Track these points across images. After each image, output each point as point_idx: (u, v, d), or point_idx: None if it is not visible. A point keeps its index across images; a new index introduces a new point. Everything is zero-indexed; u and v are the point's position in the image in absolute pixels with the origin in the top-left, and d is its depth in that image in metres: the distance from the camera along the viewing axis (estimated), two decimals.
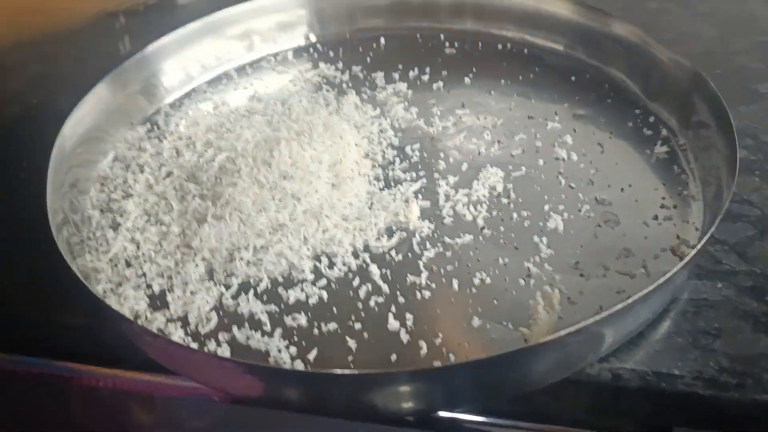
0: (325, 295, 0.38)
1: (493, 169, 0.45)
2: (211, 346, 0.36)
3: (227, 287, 0.39)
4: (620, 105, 0.50)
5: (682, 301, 0.37)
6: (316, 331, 0.36)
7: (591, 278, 0.38)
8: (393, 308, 0.37)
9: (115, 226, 0.43)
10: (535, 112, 0.50)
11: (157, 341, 0.34)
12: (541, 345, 0.31)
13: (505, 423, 0.35)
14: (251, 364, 0.33)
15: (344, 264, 0.39)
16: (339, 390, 0.32)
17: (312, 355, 0.35)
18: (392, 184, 0.45)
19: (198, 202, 0.42)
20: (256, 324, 0.37)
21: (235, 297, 0.38)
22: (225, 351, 0.35)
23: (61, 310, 0.39)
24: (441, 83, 0.54)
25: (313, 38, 0.59)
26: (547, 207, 0.42)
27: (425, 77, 0.54)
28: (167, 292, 0.38)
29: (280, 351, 0.35)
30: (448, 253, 0.40)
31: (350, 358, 0.35)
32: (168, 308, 0.38)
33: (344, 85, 0.54)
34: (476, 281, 0.38)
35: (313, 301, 0.38)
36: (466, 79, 0.54)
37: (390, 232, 0.41)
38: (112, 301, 0.38)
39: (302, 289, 0.38)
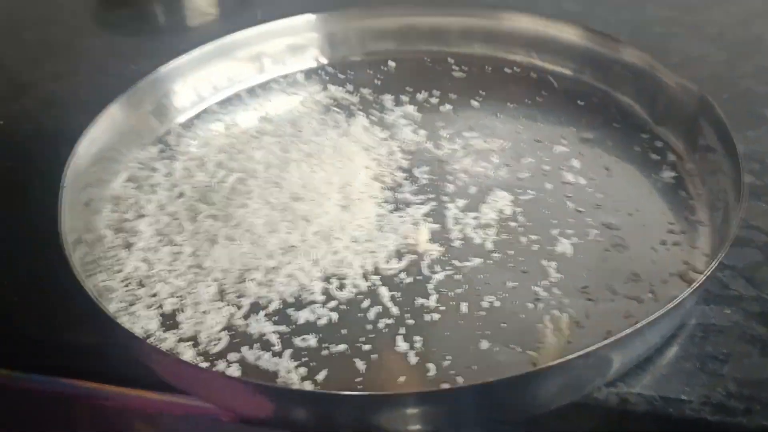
0: (334, 316, 0.38)
1: (501, 192, 0.45)
2: (222, 365, 0.36)
3: (238, 307, 0.39)
4: (627, 129, 0.50)
5: (690, 326, 0.37)
6: (325, 352, 0.36)
7: (599, 302, 0.38)
8: (402, 330, 0.37)
9: (128, 246, 0.43)
10: (542, 136, 0.50)
11: (167, 360, 0.34)
12: (548, 369, 0.31)
13: None
14: (260, 384, 0.33)
15: (354, 286, 0.40)
16: (347, 411, 0.32)
17: (321, 376, 0.35)
18: (401, 206, 0.45)
19: (210, 223, 0.43)
20: (266, 344, 0.37)
21: (245, 317, 0.38)
22: (235, 371, 0.36)
23: (74, 329, 0.39)
24: (449, 106, 0.54)
25: (323, 60, 0.60)
26: (555, 231, 0.42)
27: (434, 100, 0.55)
28: (178, 312, 0.39)
29: (289, 371, 0.35)
30: (457, 276, 0.40)
31: (359, 379, 0.35)
32: (179, 328, 0.38)
33: (354, 107, 0.55)
34: (485, 304, 0.38)
35: (322, 322, 0.38)
36: (474, 102, 0.54)
37: (399, 255, 0.42)
38: (124, 321, 0.38)
39: (312, 311, 0.39)
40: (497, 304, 0.38)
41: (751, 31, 0.62)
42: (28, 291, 0.42)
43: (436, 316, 0.38)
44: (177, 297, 0.40)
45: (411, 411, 0.32)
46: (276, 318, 0.38)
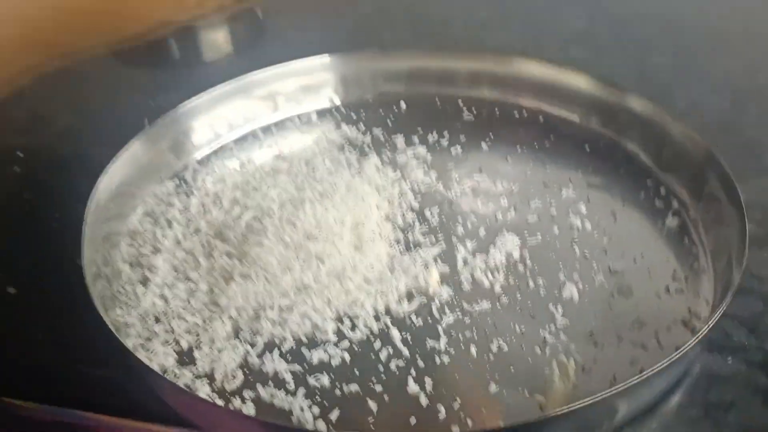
0: (347, 356, 0.39)
1: (510, 235, 0.47)
2: (237, 402, 0.37)
3: (253, 346, 0.40)
4: (633, 175, 0.51)
5: (694, 374, 0.38)
6: (338, 391, 0.37)
7: (605, 348, 0.39)
8: (413, 372, 0.38)
9: (145, 281, 0.44)
10: (550, 180, 0.52)
11: (186, 397, 0.35)
12: (555, 416, 0.32)
13: None
14: (277, 424, 0.34)
15: (366, 326, 0.41)
16: None
17: (334, 416, 0.36)
18: (412, 247, 0.46)
19: (225, 260, 0.44)
20: (280, 383, 0.38)
21: (260, 355, 0.39)
22: (250, 408, 0.36)
23: (92, 362, 0.40)
24: (459, 148, 0.56)
25: (336, 101, 0.62)
26: (562, 276, 0.44)
27: (444, 141, 0.56)
28: (195, 349, 0.40)
29: (303, 410, 0.36)
30: (467, 320, 0.41)
31: (371, 419, 0.36)
32: (195, 365, 0.39)
33: (366, 147, 0.56)
34: (494, 348, 0.39)
35: (335, 362, 0.39)
36: (484, 145, 0.56)
37: (410, 297, 0.43)
38: (141, 356, 0.39)
39: (325, 350, 0.39)
40: (505, 347, 0.39)
41: (755, 80, 0.64)
42: (49, 324, 0.43)
43: (446, 359, 0.39)
44: (193, 334, 0.41)
45: None
46: (290, 357, 0.39)
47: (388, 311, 0.42)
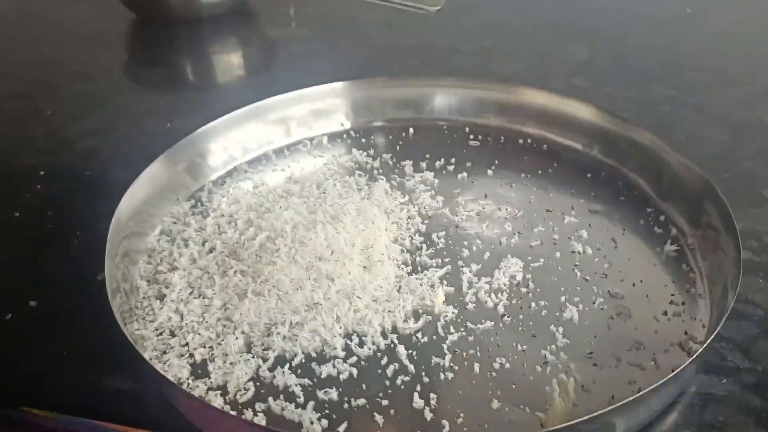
0: (355, 371, 0.41)
1: (513, 259, 0.48)
2: (248, 414, 0.38)
3: (264, 360, 0.41)
4: (633, 203, 0.53)
5: (690, 395, 0.39)
6: (346, 405, 0.39)
7: (604, 368, 0.41)
8: (418, 387, 0.40)
9: (161, 297, 0.46)
10: (553, 206, 0.54)
11: (201, 407, 0.37)
12: (556, 430, 0.34)
13: None
14: None
15: (373, 343, 0.42)
16: None
17: (342, 428, 0.37)
18: (419, 269, 0.48)
19: (239, 278, 0.46)
20: (290, 396, 0.39)
21: (271, 369, 0.41)
22: (261, 420, 0.38)
23: (109, 373, 0.41)
24: (465, 174, 0.57)
25: (347, 125, 0.64)
26: (563, 298, 0.45)
27: (451, 167, 0.58)
28: (208, 362, 0.41)
29: (312, 423, 0.38)
30: (471, 338, 0.43)
31: None
32: (209, 377, 0.40)
33: (375, 172, 0.58)
34: (496, 365, 0.41)
35: (344, 376, 0.40)
36: (489, 171, 0.58)
37: (416, 315, 0.44)
38: (157, 368, 0.40)
39: (334, 365, 0.41)
40: (508, 365, 0.41)
41: (753, 114, 0.66)
42: (69, 336, 0.44)
43: (450, 375, 0.40)
44: (207, 348, 0.42)
45: None
46: (300, 371, 0.41)
47: (394, 329, 0.43)
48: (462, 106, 0.64)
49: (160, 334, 0.43)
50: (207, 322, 0.44)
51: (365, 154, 0.60)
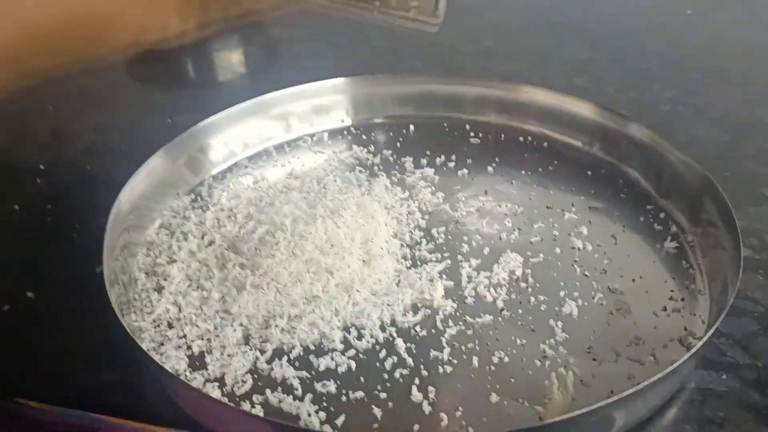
0: (353, 364, 0.41)
1: (513, 254, 0.48)
2: (246, 406, 0.38)
3: (262, 352, 0.41)
4: (633, 200, 0.53)
5: (689, 390, 0.39)
6: (344, 398, 0.39)
7: (603, 363, 0.40)
8: (416, 381, 0.39)
9: (159, 289, 0.46)
10: (553, 203, 0.53)
11: (198, 398, 0.37)
12: (554, 424, 0.33)
13: None
14: (287, 425, 0.35)
15: (372, 336, 0.42)
16: None
17: (340, 421, 0.37)
18: (419, 263, 0.48)
19: (238, 271, 0.46)
20: (288, 388, 0.39)
21: (269, 362, 0.41)
22: (258, 412, 0.38)
23: (106, 365, 0.41)
24: (466, 170, 0.57)
25: (347, 122, 0.64)
26: (562, 293, 0.45)
27: (451, 164, 0.58)
28: (206, 354, 0.41)
29: (309, 415, 0.38)
30: (469, 332, 0.43)
31: (375, 425, 0.37)
32: (206, 369, 0.40)
33: (375, 168, 0.58)
34: (495, 359, 0.41)
35: (342, 369, 0.40)
36: (489, 168, 0.58)
37: (415, 309, 0.44)
38: (155, 359, 0.40)
39: (332, 358, 0.41)
40: (506, 359, 0.41)
41: (753, 114, 0.65)
42: (66, 327, 0.44)
43: (448, 369, 0.40)
44: (205, 339, 0.42)
45: None
46: (298, 363, 0.41)
47: (393, 322, 0.43)
48: (462, 103, 0.64)
49: (158, 325, 0.43)
50: (205, 314, 0.44)
51: (366, 150, 0.60)
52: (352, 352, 0.41)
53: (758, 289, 0.46)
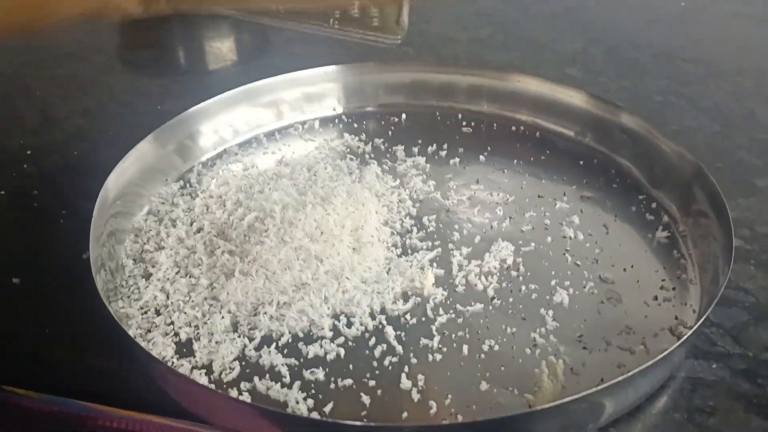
0: (342, 352, 0.40)
1: (504, 243, 0.48)
2: (233, 394, 0.38)
3: (250, 339, 0.41)
4: (625, 190, 0.53)
5: (679, 379, 0.39)
6: (332, 385, 0.38)
7: (593, 351, 0.40)
8: (406, 368, 0.39)
9: (147, 276, 0.45)
10: (545, 192, 0.53)
11: (186, 384, 0.36)
12: (544, 410, 0.33)
13: None
14: (274, 410, 0.35)
15: (361, 324, 0.42)
16: None
17: (328, 408, 0.37)
18: (409, 251, 0.48)
19: (226, 258, 0.45)
20: (276, 376, 0.39)
21: (257, 349, 0.40)
22: (246, 399, 0.37)
23: (92, 352, 0.41)
24: (457, 159, 0.57)
25: (339, 110, 0.63)
26: (553, 282, 0.45)
27: (443, 153, 0.58)
28: (193, 341, 0.41)
29: (297, 402, 0.37)
30: (460, 320, 0.42)
31: (364, 413, 0.37)
32: (194, 356, 0.40)
33: (367, 156, 0.58)
34: (485, 348, 0.40)
35: (330, 357, 0.40)
36: (481, 157, 0.57)
37: (405, 297, 0.44)
38: (141, 346, 0.40)
39: (321, 346, 0.40)
40: (497, 348, 0.40)
41: (745, 105, 0.65)
42: (52, 314, 0.44)
43: (438, 357, 0.40)
44: (193, 327, 0.42)
45: None
46: (286, 351, 0.40)
47: (383, 310, 0.43)
48: (455, 92, 0.63)
49: (145, 312, 0.43)
50: (193, 301, 0.43)
51: (357, 138, 0.60)
52: (341, 339, 0.41)
53: (749, 280, 0.45)
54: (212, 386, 0.38)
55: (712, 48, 0.77)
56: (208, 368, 0.39)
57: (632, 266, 0.46)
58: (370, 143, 0.59)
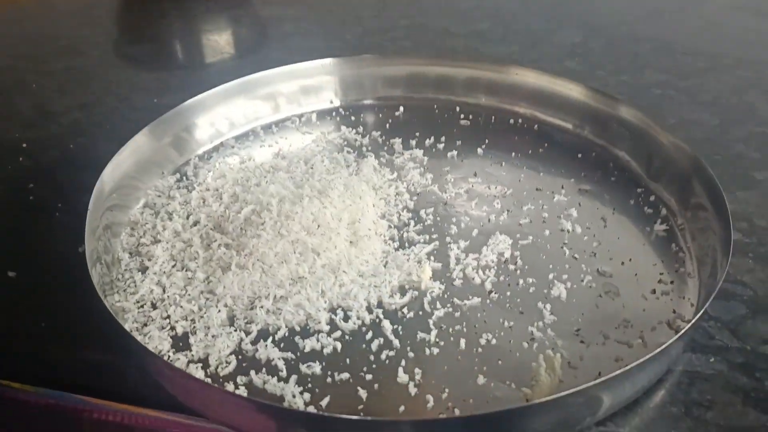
0: (339, 346, 0.40)
1: (502, 236, 0.48)
2: (229, 388, 0.38)
3: (247, 333, 0.41)
4: (623, 183, 0.53)
5: (677, 373, 0.39)
6: (329, 379, 0.38)
7: (591, 345, 0.40)
8: (403, 362, 0.39)
9: (143, 270, 0.45)
10: (542, 185, 0.53)
11: (181, 378, 0.36)
12: (541, 404, 0.33)
13: None
14: (270, 404, 0.35)
15: (358, 318, 0.42)
16: None
17: (324, 402, 0.37)
18: (406, 245, 0.47)
19: (223, 251, 0.45)
20: (272, 370, 0.39)
21: (254, 343, 0.40)
22: (242, 393, 0.37)
23: (89, 346, 0.41)
24: (455, 152, 0.57)
25: (336, 103, 0.63)
26: (551, 275, 0.45)
27: (440, 146, 0.58)
28: (190, 335, 0.41)
29: (294, 396, 0.37)
30: (457, 314, 0.42)
31: (360, 407, 0.37)
32: (190, 350, 0.40)
33: (364, 149, 0.58)
34: (482, 341, 0.40)
35: (327, 351, 0.40)
36: (479, 150, 0.57)
37: (403, 291, 0.44)
38: (137, 340, 0.40)
39: (318, 339, 0.40)
40: (494, 341, 0.40)
41: (743, 99, 0.65)
42: (48, 307, 0.43)
43: (435, 351, 0.40)
44: (189, 320, 0.42)
45: None
46: (283, 345, 0.40)
47: (380, 304, 0.43)
48: (453, 85, 0.63)
49: (142, 306, 0.43)
50: (189, 294, 0.43)
51: (354, 131, 0.60)
52: (338, 333, 0.41)
53: (747, 273, 0.45)
54: (208, 380, 0.38)
55: (711, 41, 0.76)
56: (205, 362, 0.39)
57: (630, 260, 0.46)
58: (368, 136, 0.59)
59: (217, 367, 0.39)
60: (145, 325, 0.41)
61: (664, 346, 0.35)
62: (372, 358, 0.39)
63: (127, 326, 0.41)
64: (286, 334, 0.41)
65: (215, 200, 0.50)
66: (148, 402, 0.38)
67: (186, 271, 0.45)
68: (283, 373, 0.39)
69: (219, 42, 0.82)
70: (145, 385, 0.38)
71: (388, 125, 0.61)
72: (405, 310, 0.42)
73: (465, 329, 0.41)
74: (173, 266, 0.45)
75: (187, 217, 0.49)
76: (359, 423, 0.33)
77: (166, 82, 0.70)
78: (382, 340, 0.40)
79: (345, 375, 0.38)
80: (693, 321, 0.37)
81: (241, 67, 0.64)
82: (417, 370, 0.38)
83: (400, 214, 0.50)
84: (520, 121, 0.60)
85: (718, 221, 0.44)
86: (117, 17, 0.87)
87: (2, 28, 0.82)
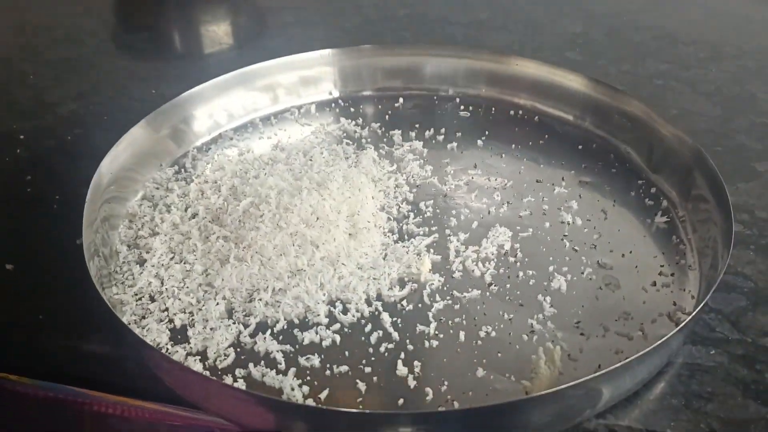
0: (338, 338, 0.40)
1: (502, 228, 0.47)
2: (228, 380, 0.37)
3: (245, 326, 0.41)
4: (624, 175, 0.52)
5: (677, 365, 0.39)
6: (328, 372, 0.38)
7: (591, 337, 0.40)
8: (402, 355, 0.39)
9: (141, 262, 0.45)
10: (543, 177, 0.53)
11: (179, 371, 0.36)
12: (541, 396, 0.33)
13: None
14: (268, 398, 0.35)
15: (357, 310, 0.41)
16: (348, 428, 0.34)
17: (323, 395, 0.37)
18: (406, 237, 0.47)
19: (221, 244, 0.45)
20: (271, 362, 0.39)
21: (252, 335, 0.40)
22: (241, 386, 0.37)
23: (87, 339, 0.40)
24: (455, 144, 0.56)
25: (335, 94, 0.63)
26: (551, 267, 0.44)
27: (440, 137, 0.57)
28: (188, 327, 0.41)
29: (293, 389, 0.37)
30: (456, 306, 0.42)
31: (359, 399, 0.37)
32: (188, 342, 0.40)
33: (363, 140, 0.57)
34: (482, 334, 0.40)
35: (326, 343, 0.40)
36: (479, 142, 0.57)
37: (402, 283, 0.43)
38: (135, 332, 0.39)
39: (316, 332, 0.40)
40: (494, 334, 0.40)
41: (745, 89, 0.65)
42: (46, 300, 0.43)
43: (435, 343, 0.40)
44: (187, 313, 0.41)
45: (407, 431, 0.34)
46: (282, 337, 0.40)
47: (379, 296, 0.43)
48: (453, 76, 0.63)
49: (140, 299, 0.43)
50: (188, 287, 0.43)
51: (354, 123, 0.59)
52: (337, 326, 0.41)
53: (748, 265, 0.45)
54: (207, 373, 0.38)
55: (713, 30, 0.76)
56: (203, 355, 0.39)
57: (631, 252, 0.46)
58: (367, 128, 0.59)
59: (215, 359, 0.39)
60: (144, 317, 0.41)
61: (664, 339, 0.35)
62: (371, 350, 0.39)
63: (125, 319, 0.41)
64: (285, 327, 0.41)
65: (214, 192, 0.50)
66: (147, 395, 0.38)
67: (184, 263, 0.45)
68: (282, 366, 0.38)
69: (217, 32, 0.81)
70: (143, 378, 0.38)
71: (387, 116, 0.60)
72: (404, 302, 0.42)
73: (464, 322, 0.41)
74: (171, 259, 0.45)
75: (186, 210, 0.49)
76: (358, 416, 0.33)
77: (164, 72, 0.69)
78: (381, 332, 0.40)
79: (344, 368, 0.38)
80: (694, 313, 0.37)
81: (239, 58, 0.63)
82: (416, 363, 0.38)
83: (399, 207, 0.50)
84: (520, 112, 0.60)
85: (719, 213, 0.44)
86: (114, 6, 0.87)
87: None
